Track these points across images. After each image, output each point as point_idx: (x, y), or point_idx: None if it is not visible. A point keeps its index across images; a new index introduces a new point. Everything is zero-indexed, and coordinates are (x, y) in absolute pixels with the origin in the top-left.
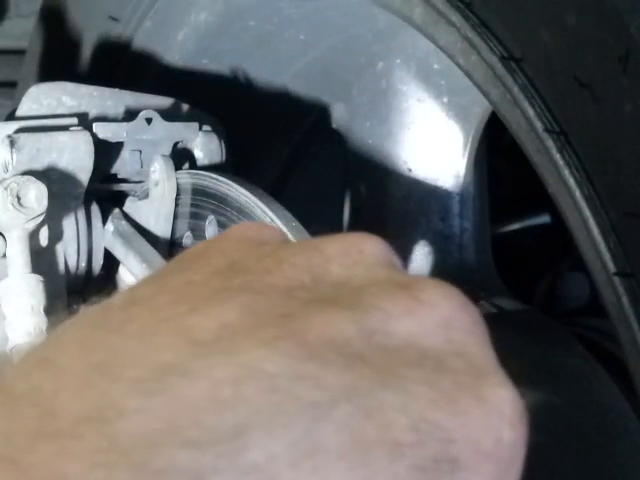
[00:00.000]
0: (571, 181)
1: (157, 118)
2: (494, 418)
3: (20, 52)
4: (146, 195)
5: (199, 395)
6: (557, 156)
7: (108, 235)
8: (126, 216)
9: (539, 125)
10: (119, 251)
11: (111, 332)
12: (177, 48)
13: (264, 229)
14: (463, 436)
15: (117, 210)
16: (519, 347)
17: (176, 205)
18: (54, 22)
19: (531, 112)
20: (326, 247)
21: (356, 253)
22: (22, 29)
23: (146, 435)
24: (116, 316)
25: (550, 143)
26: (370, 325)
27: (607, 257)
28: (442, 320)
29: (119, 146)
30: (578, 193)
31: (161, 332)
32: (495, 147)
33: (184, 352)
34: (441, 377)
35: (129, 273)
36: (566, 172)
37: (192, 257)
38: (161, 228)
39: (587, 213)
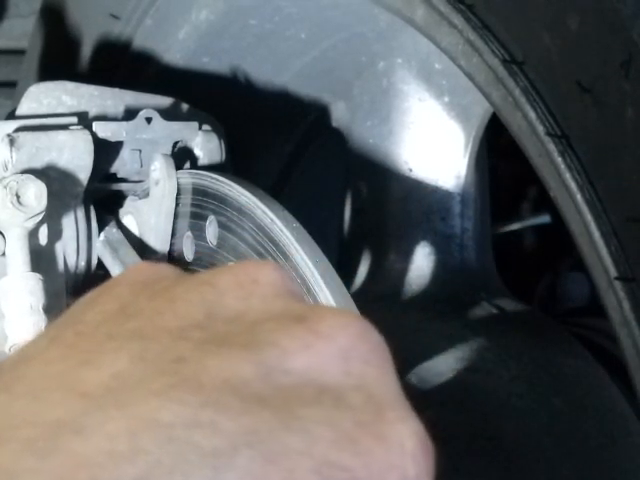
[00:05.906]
0: (572, 185)
1: (157, 117)
2: (396, 455)
3: (20, 52)
4: (146, 194)
5: (94, 451)
6: (559, 160)
7: (99, 244)
8: (119, 224)
9: (541, 128)
10: (107, 260)
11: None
12: (178, 47)
13: (156, 267)
14: (367, 476)
15: (110, 218)
16: (519, 348)
17: (176, 205)
18: (54, 21)
19: (533, 115)
20: (219, 280)
21: (250, 284)
22: (22, 29)
23: None
24: (5, 376)
25: (552, 147)
26: (266, 363)
27: (608, 261)
28: (340, 352)
29: (119, 145)
30: (579, 197)
31: (51, 388)
32: (495, 147)
33: (76, 408)
34: (341, 415)
35: None
36: (567, 176)
37: (85, 304)
38: (161, 227)
39: (588, 217)
